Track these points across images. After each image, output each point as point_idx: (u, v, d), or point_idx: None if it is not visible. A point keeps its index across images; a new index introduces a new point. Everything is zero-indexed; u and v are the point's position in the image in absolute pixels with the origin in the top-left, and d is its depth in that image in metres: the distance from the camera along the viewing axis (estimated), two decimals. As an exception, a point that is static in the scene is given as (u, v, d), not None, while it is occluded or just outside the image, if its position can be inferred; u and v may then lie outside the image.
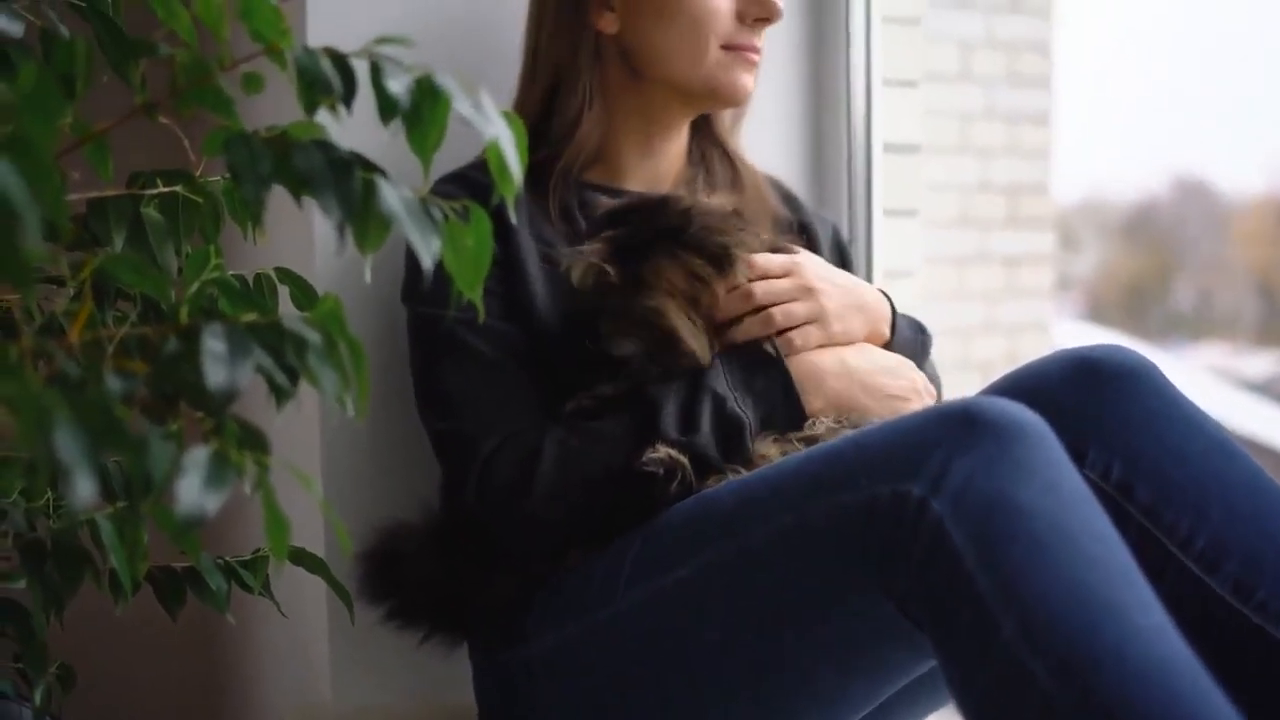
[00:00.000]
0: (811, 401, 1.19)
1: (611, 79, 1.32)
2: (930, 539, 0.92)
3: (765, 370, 1.19)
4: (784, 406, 1.18)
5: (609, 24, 1.30)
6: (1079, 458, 1.03)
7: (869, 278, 1.69)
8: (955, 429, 0.94)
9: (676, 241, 1.17)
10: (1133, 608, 0.85)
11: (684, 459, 1.12)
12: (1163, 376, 1.07)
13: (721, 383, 1.17)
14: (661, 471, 1.10)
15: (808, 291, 1.22)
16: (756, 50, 1.31)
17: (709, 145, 1.41)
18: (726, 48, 1.29)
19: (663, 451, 1.12)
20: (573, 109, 1.30)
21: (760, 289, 1.20)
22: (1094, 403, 1.05)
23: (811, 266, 1.24)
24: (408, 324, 1.27)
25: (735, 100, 1.33)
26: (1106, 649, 0.83)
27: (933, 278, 3.50)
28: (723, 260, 1.18)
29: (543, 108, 1.32)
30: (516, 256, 1.24)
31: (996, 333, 3.79)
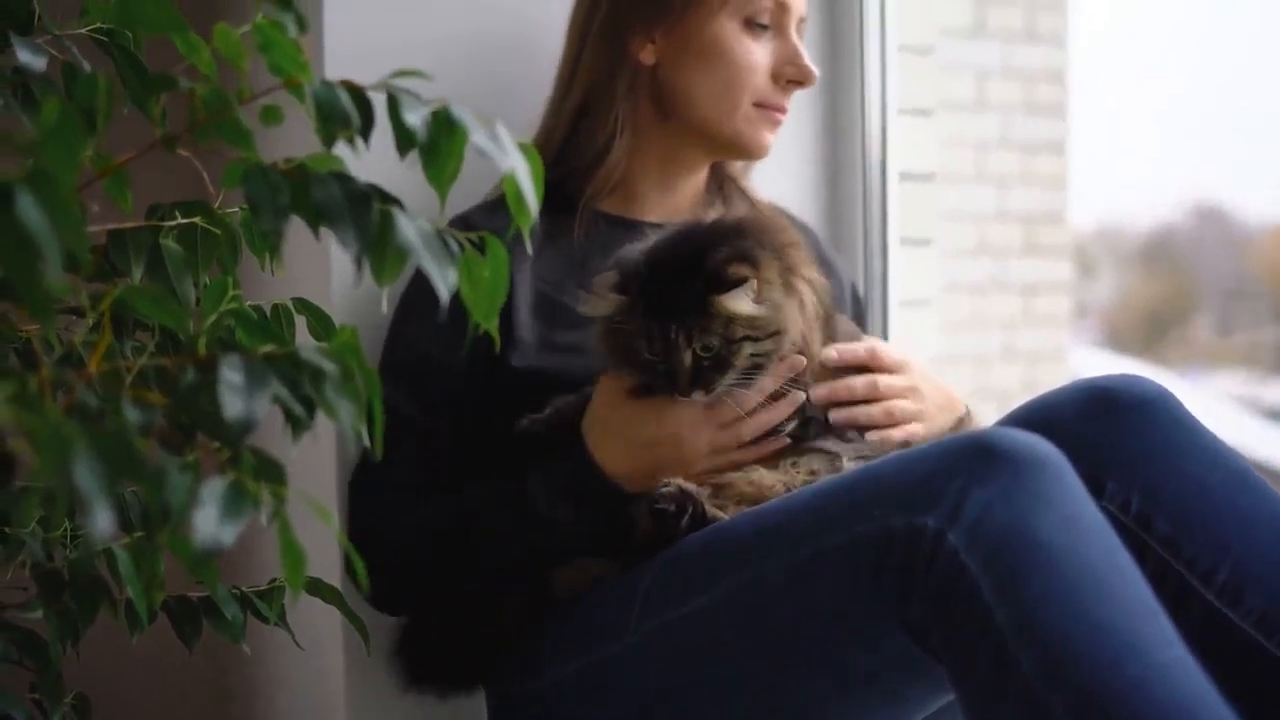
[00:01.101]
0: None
1: (642, 112, 1.32)
2: (946, 571, 0.91)
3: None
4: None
5: (648, 55, 1.31)
6: (1097, 489, 1.02)
7: (884, 308, 1.68)
8: (971, 460, 0.94)
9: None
10: (1154, 642, 0.85)
11: (695, 491, 1.11)
12: (1181, 406, 1.06)
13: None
14: (673, 507, 1.10)
15: (915, 391, 1.23)
16: (784, 111, 1.33)
17: (726, 178, 1.42)
18: (758, 105, 1.31)
19: (673, 486, 1.11)
20: (602, 135, 1.30)
21: (883, 382, 1.20)
22: (1111, 434, 1.04)
23: (917, 365, 1.26)
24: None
25: (755, 156, 1.35)
26: (1127, 684, 0.82)
27: (950, 306, 3.49)
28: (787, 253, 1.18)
29: (570, 129, 1.33)
30: (509, 302, 1.25)
31: (1014, 361, 3.78)
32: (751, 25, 1.29)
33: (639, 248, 1.16)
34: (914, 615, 0.94)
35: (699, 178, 1.39)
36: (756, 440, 1.16)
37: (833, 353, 1.20)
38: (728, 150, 1.34)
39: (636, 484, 1.15)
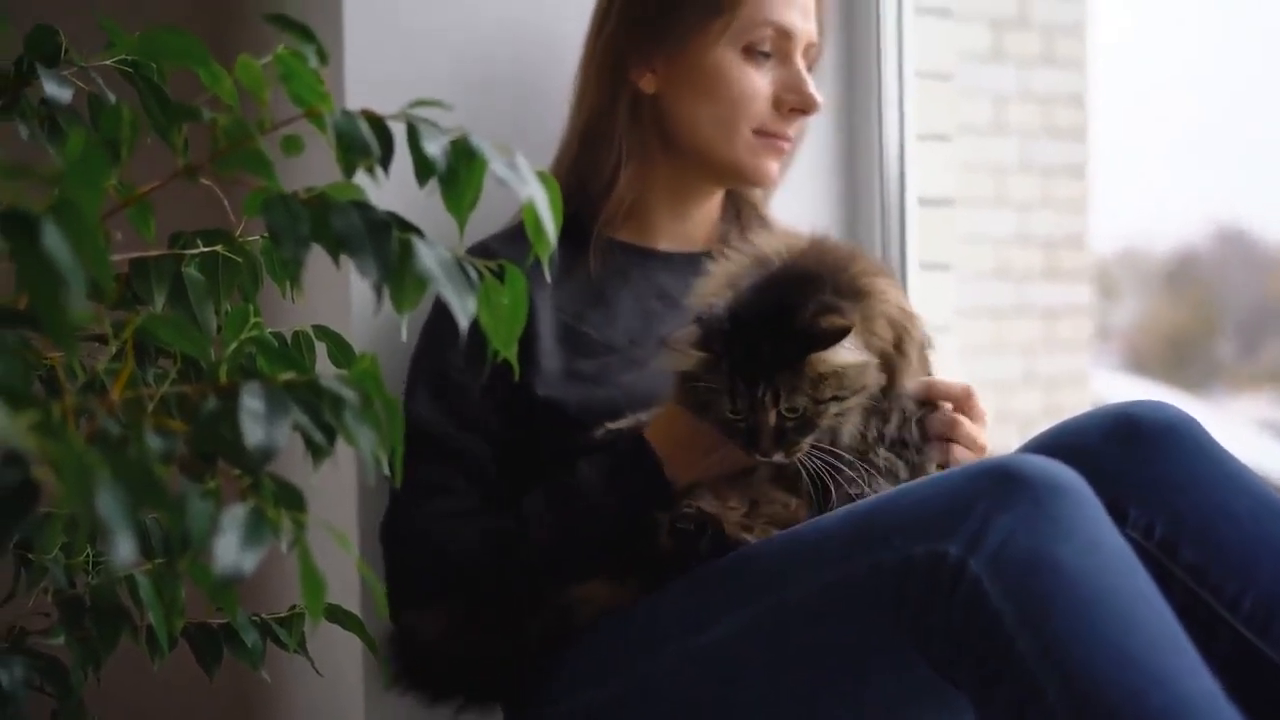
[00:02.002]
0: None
1: (647, 141, 1.32)
2: (968, 599, 0.90)
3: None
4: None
5: (649, 84, 1.31)
6: (1120, 517, 1.01)
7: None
8: (993, 486, 0.93)
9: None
10: (1180, 673, 0.84)
11: (715, 512, 1.11)
12: (1205, 433, 1.06)
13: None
14: (692, 527, 1.10)
15: (983, 432, 1.20)
16: (788, 139, 1.33)
17: (743, 204, 1.42)
18: (759, 133, 1.30)
19: (694, 507, 1.11)
20: (608, 164, 1.31)
21: (983, 440, 1.18)
22: (1134, 460, 1.03)
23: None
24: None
25: (758, 184, 1.34)
26: (1154, 715, 0.81)
27: (970, 331, 3.48)
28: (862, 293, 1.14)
29: (577, 158, 1.33)
30: (531, 329, 1.25)
31: (1035, 385, 3.76)
32: (752, 53, 1.29)
33: (721, 304, 1.12)
34: (935, 643, 0.93)
35: (712, 205, 1.39)
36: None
37: (924, 384, 1.17)
38: (731, 178, 1.34)
39: (689, 475, 1.15)
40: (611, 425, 1.21)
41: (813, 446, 1.09)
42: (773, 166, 1.32)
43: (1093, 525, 0.92)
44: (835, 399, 1.08)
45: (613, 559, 1.17)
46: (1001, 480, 0.94)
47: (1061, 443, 1.06)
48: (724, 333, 1.09)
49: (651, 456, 1.16)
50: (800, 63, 1.31)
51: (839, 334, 1.06)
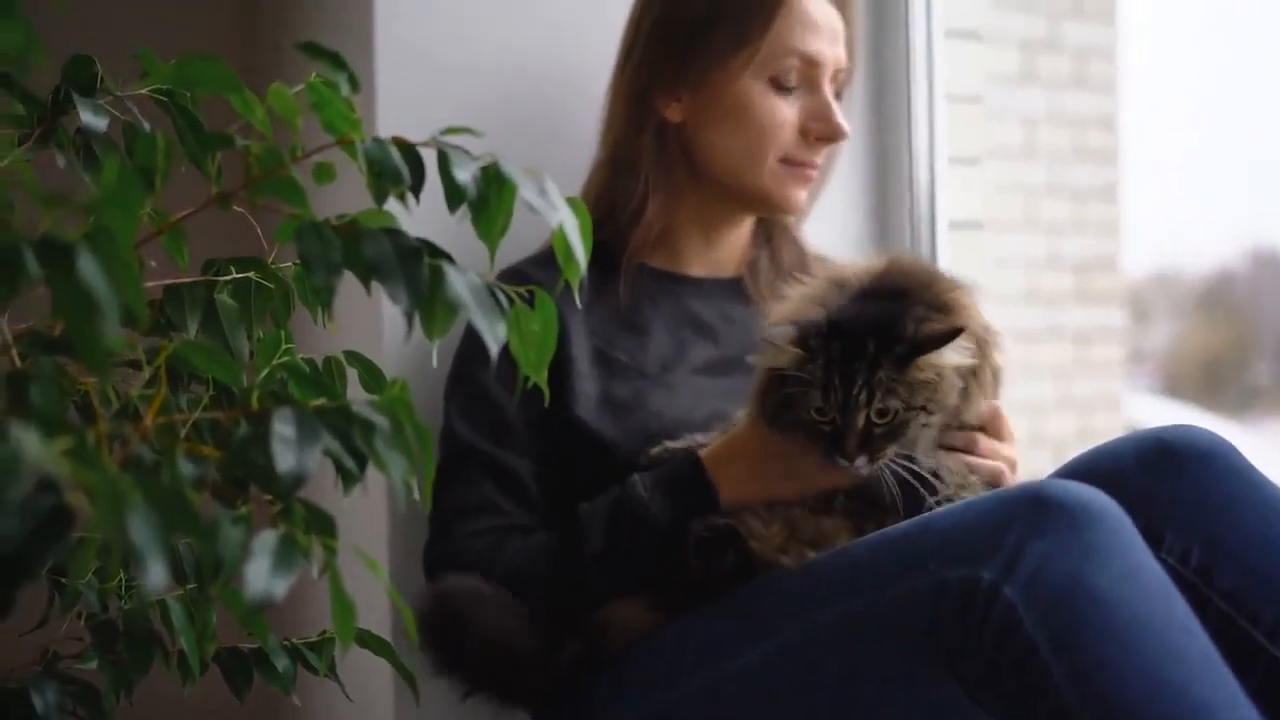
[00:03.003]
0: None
1: (674, 169, 1.32)
2: (1002, 626, 0.90)
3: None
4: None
5: (675, 113, 1.31)
6: (1155, 542, 1.00)
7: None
8: (1026, 512, 0.93)
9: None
10: (1219, 704, 0.83)
11: (740, 530, 1.11)
12: (1241, 457, 1.04)
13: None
14: (714, 539, 1.09)
15: (1013, 466, 1.18)
16: (814, 167, 1.32)
17: (775, 228, 1.41)
18: (785, 161, 1.30)
19: (719, 523, 1.10)
20: (635, 192, 1.31)
21: (985, 444, 1.16)
22: (1170, 486, 1.02)
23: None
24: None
25: (786, 212, 1.34)
26: (1190, 745, 0.80)
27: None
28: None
29: (605, 186, 1.34)
30: (564, 347, 1.25)
31: (1068, 409, 3.74)
32: (779, 82, 1.28)
33: (819, 313, 1.10)
34: (968, 670, 0.92)
35: (743, 230, 1.39)
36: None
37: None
38: (759, 207, 1.34)
39: (743, 496, 1.13)
40: (671, 444, 1.21)
41: (895, 458, 1.07)
42: (800, 195, 1.32)
43: (1128, 551, 0.91)
44: (925, 409, 1.06)
45: (650, 579, 1.17)
46: (1035, 506, 0.93)
47: (1096, 468, 1.05)
48: (823, 334, 1.07)
49: (705, 476, 1.15)
50: (828, 90, 1.30)
51: (951, 335, 1.05)
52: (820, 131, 1.30)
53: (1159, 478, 1.03)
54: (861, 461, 1.06)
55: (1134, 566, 0.90)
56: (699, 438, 1.20)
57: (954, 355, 1.06)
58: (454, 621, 1.17)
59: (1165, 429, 1.07)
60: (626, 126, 1.32)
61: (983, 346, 1.12)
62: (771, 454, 1.12)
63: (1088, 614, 0.87)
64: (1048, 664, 0.86)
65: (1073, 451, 1.13)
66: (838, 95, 1.33)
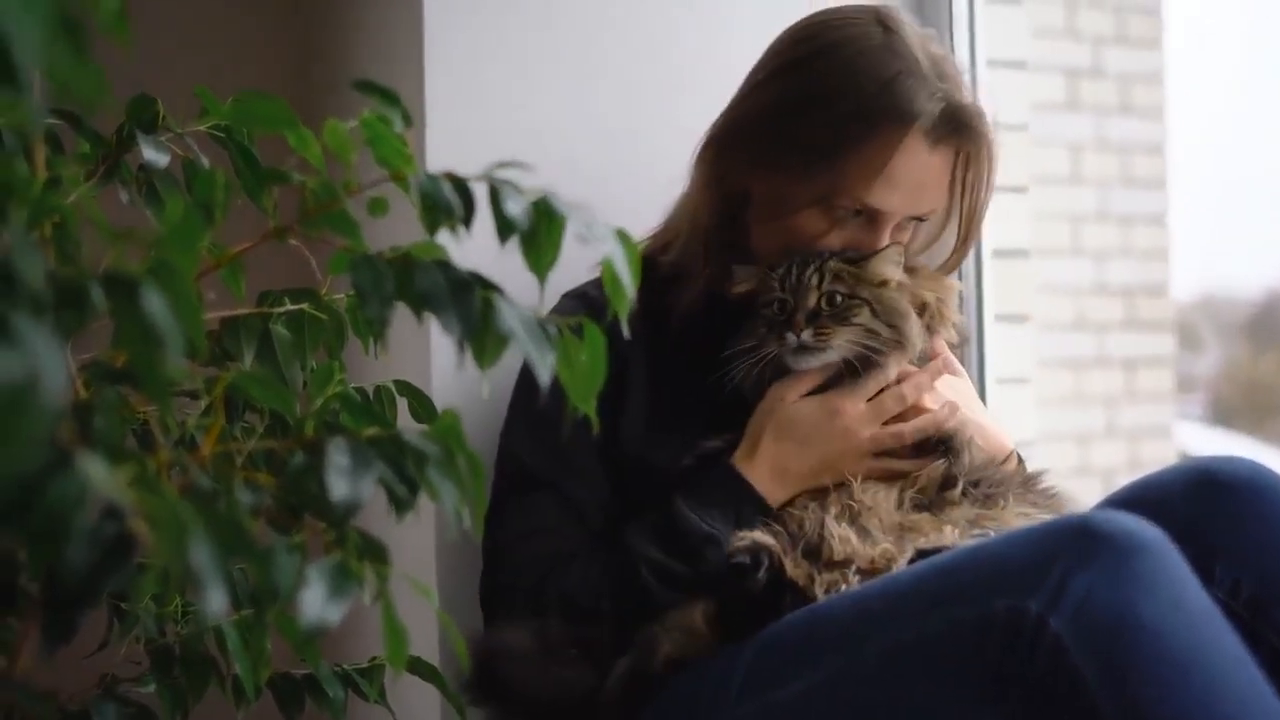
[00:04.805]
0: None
1: (731, 242, 1.29)
2: (1049, 658, 0.89)
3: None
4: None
5: (744, 185, 1.26)
6: (1205, 575, 0.99)
7: (981, 385, 1.67)
8: (1072, 542, 0.92)
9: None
10: (1270, 736, 0.82)
11: (770, 542, 1.11)
12: (1289, 488, 1.03)
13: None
14: (749, 560, 1.09)
15: (947, 401, 1.23)
16: None
17: None
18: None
19: (747, 540, 1.10)
20: (693, 255, 1.29)
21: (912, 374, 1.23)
22: (1218, 517, 1.01)
23: (970, 393, 1.30)
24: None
25: None
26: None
27: (1049, 383, 3.43)
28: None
29: (681, 236, 1.31)
30: (622, 373, 1.26)
31: (1117, 438, 3.69)
32: (832, 216, 1.22)
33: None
34: (1014, 702, 0.92)
35: None
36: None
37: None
38: None
39: (794, 485, 1.18)
40: (705, 443, 1.23)
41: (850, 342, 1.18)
42: None
43: (1177, 583, 0.90)
44: (870, 306, 1.19)
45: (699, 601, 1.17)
46: (1081, 536, 0.93)
47: (1143, 498, 1.04)
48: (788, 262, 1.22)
49: (742, 479, 1.18)
50: (887, 235, 1.23)
51: (891, 248, 1.21)
52: (852, 245, 1.24)
53: (1207, 509, 1.02)
54: (808, 335, 1.17)
55: (1182, 598, 0.89)
56: (732, 437, 1.23)
57: (891, 267, 1.21)
58: (499, 685, 1.19)
59: (1211, 459, 1.06)
60: (714, 196, 1.28)
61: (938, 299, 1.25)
62: (781, 425, 1.19)
63: (1136, 644, 0.86)
64: (1096, 697, 0.86)
65: (1121, 481, 1.13)
66: (920, 219, 1.26)
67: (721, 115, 1.30)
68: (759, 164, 1.24)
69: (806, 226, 1.23)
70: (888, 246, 1.21)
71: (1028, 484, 1.21)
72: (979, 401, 1.31)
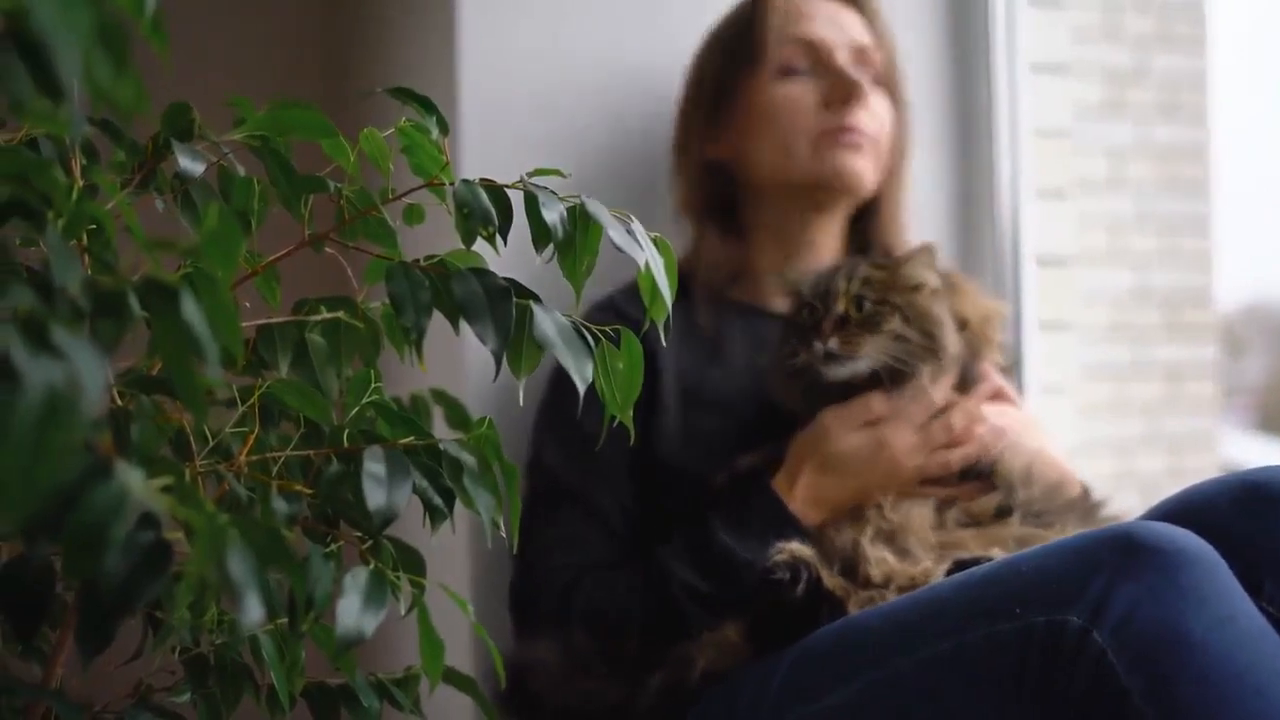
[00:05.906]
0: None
1: (733, 204, 1.37)
2: (1092, 673, 0.87)
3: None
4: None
5: (718, 150, 1.36)
6: (1254, 590, 0.96)
7: (1022, 394, 1.65)
8: (1115, 554, 0.90)
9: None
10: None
11: (809, 555, 1.09)
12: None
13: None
14: (787, 575, 1.08)
15: (999, 431, 1.22)
16: (850, 129, 1.33)
17: (868, 246, 1.41)
18: (821, 136, 1.32)
19: (785, 553, 1.09)
20: (701, 237, 1.37)
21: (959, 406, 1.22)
22: (1267, 530, 0.99)
23: (1031, 423, 1.28)
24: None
25: (843, 185, 1.34)
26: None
27: (1090, 391, 3.39)
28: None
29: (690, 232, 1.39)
30: (654, 383, 1.26)
31: (1159, 447, 3.64)
32: (786, 71, 1.33)
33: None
34: (1057, 715, 0.90)
35: (823, 245, 1.38)
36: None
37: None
38: (815, 192, 1.35)
39: (830, 510, 1.18)
40: (741, 460, 1.22)
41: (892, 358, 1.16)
42: (851, 162, 1.33)
43: (1225, 597, 0.88)
44: (901, 314, 1.16)
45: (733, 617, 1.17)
46: (1125, 548, 0.90)
47: (1188, 510, 1.02)
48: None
49: (783, 507, 1.17)
50: (839, 64, 1.33)
51: (924, 250, 1.21)
52: (836, 94, 1.31)
53: (1257, 521, 0.99)
54: (834, 343, 1.16)
55: (1230, 612, 0.87)
56: (770, 448, 1.22)
57: (926, 271, 1.20)
58: (529, 699, 1.18)
59: (1257, 470, 1.03)
60: (684, 181, 1.38)
61: (983, 321, 1.26)
62: (827, 460, 1.18)
63: (1182, 660, 0.84)
64: (1141, 712, 0.84)
65: (1165, 492, 1.10)
66: (883, 84, 1.36)
67: (676, 121, 1.42)
68: (716, 96, 1.36)
69: (775, 98, 1.32)
70: (920, 249, 1.21)
71: (1089, 513, 1.18)
72: (1039, 428, 1.28)
